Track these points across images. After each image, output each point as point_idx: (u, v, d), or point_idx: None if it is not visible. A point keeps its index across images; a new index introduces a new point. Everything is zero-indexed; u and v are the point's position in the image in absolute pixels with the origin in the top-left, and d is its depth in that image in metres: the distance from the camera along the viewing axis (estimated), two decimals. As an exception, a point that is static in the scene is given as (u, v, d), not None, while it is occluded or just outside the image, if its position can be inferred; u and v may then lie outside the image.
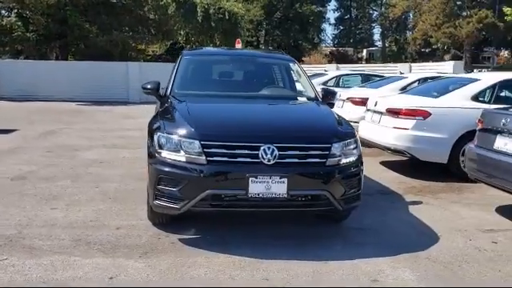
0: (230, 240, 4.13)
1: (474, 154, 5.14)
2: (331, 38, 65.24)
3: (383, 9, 57.27)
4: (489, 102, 6.69)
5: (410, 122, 6.62)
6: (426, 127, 6.57)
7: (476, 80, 6.98)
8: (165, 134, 3.96)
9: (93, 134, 10.30)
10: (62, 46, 22.75)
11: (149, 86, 5.15)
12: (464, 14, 38.64)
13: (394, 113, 6.84)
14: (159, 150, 3.94)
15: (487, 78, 7.02)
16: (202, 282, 3.36)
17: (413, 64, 23.11)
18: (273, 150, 3.78)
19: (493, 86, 6.81)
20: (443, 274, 3.63)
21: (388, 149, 6.99)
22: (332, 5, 63.64)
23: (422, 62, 34.78)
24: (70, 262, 3.58)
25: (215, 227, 4.39)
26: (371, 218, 4.87)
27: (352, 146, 4.13)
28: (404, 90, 9.97)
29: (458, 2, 39.10)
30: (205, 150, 3.78)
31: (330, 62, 47.20)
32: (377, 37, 65.14)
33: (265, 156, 3.77)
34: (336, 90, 7.32)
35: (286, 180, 3.75)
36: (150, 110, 6.00)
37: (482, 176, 5.09)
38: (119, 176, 6.34)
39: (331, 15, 62.65)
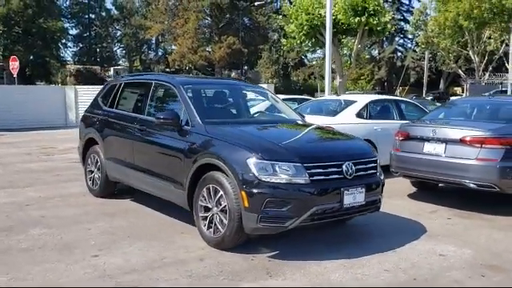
0: (306, 250, 4.62)
1: (402, 157, 6.82)
2: (71, 55, 62.64)
3: (127, 29, 58.24)
4: (366, 118, 8.65)
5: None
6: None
7: (354, 101, 8.84)
8: (261, 160, 4.22)
9: None
10: None
11: (164, 117, 5.04)
12: (215, 39, 43.14)
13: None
14: (259, 176, 4.18)
15: (361, 100, 8.97)
16: (356, 283, 3.89)
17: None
18: (352, 166, 4.53)
19: (366, 106, 8.79)
20: (467, 241, 4.97)
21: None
22: (71, 21, 61.09)
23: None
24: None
25: (270, 242, 4.70)
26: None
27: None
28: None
29: (208, 29, 43.59)
30: (307, 171, 4.25)
31: (77, 81, 45.26)
32: (120, 55, 65.61)
33: (347, 171, 4.49)
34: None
35: (364, 190, 4.56)
36: None
37: (407, 172, 6.82)
38: (84, 215, 5.70)
39: (71, 32, 59.47)
